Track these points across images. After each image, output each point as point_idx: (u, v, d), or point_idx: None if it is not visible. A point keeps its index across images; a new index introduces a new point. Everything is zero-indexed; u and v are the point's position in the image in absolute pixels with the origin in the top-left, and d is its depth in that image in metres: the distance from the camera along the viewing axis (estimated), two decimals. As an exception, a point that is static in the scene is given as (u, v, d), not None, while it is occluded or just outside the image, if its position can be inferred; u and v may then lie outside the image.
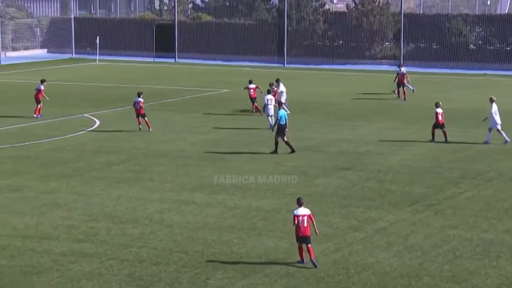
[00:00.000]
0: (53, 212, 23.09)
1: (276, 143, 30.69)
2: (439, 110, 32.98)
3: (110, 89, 48.21)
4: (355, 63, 61.34)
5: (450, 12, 70.21)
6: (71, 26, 67.20)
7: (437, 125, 32.93)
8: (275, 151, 30.64)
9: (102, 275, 18.44)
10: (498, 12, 71.60)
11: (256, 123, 36.44)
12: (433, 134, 32.93)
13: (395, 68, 47.17)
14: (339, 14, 65.21)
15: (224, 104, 41.27)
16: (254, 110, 39.35)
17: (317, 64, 61.51)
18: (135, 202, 24.18)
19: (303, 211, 19.22)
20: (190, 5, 73.21)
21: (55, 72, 55.42)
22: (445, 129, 32.89)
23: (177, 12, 66.22)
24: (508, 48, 59.65)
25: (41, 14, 72.33)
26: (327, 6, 67.11)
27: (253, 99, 39.44)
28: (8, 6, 68.85)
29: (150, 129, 34.76)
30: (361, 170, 28.31)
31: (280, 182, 26.60)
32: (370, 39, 62.33)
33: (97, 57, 62.74)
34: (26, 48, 67.71)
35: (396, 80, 44.56)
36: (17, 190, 25.30)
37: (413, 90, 45.17)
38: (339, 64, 61.14)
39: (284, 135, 30.70)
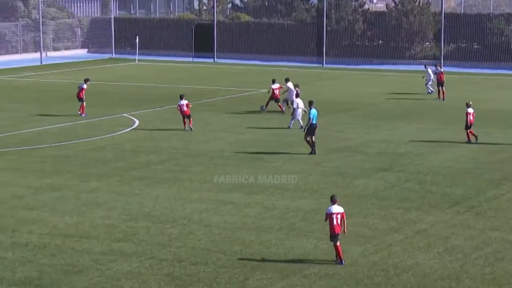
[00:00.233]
0: (93, 211, 23.24)
1: (309, 143, 30.61)
2: (470, 110, 32.72)
3: (149, 89, 48.44)
4: (394, 63, 60.96)
5: (491, 11, 69.49)
6: (111, 26, 67.65)
7: (467, 125, 32.73)
8: (313, 151, 30.55)
9: (141, 274, 18.51)
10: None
11: (294, 124, 36.33)
12: (467, 135, 32.67)
13: (428, 69, 46.81)
14: (378, 14, 64.89)
15: (263, 104, 41.20)
16: (281, 111, 39.33)
17: (356, 64, 61.25)
18: (173, 202, 24.26)
19: (336, 209, 19.25)
20: (229, 5, 73.33)
21: (95, 72, 55.83)
22: (472, 129, 32.64)
23: (216, 12, 66.36)
24: (550, 48, 58.91)
25: (81, 14, 72.91)
26: (366, 6, 66.83)
27: (276, 100, 39.30)
28: (49, 6, 69.49)
29: (192, 129, 34.92)
30: (400, 171, 28.11)
31: (317, 182, 26.52)
32: (410, 39, 61.92)
33: (137, 57, 63.08)
34: (66, 48, 68.28)
35: (434, 80, 44.37)
36: (57, 189, 25.51)
37: (432, 91, 45.11)
38: (378, 64, 60.81)
39: (313, 135, 30.61)
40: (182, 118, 35.14)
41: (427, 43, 62.60)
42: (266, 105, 39.54)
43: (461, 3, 77.89)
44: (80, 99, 38.34)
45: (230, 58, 63.95)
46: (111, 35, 67.40)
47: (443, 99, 43.75)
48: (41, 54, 62.34)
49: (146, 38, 66.60)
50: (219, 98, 44.62)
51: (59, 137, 33.67)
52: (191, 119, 35.11)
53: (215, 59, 64.32)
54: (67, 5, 72.64)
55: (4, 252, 19.65)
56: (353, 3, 64.41)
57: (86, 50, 69.29)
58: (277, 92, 39.39)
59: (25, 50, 65.12)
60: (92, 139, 33.28)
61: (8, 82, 50.94)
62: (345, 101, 43.84)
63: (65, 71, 56.63)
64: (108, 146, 31.94)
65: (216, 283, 18.10)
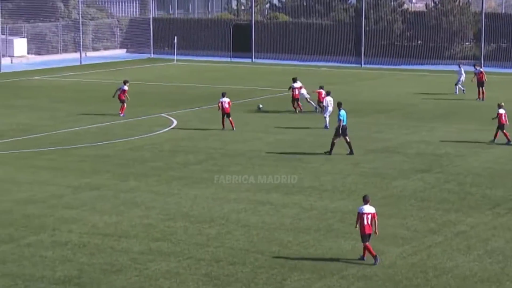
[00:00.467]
0: (131, 211, 23.35)
1: (333, 144, 30.44)
2: (502, 111, 32.40)
3: (187, 89, 48.59)
4: (433, 64, 60.51)
5: (532, 11, 68.70)
6: (149, 26, 67.98)
7: (499, 126, 32.40)
8: (351, 152, 30.41)
9: (180, 274, 18.55)
10: None
11: (333, 124, 36.16)
12: (506, 136, 32.33)
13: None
14: (417, 14, 64.46)
15: (302, 104, 41.11)
16: (300, 110, 39.21)
17: (394, 65, 60.88)
18: (211, 202, 24.29)
19: (368, 209, 19.22)
20: (267, 5, 73.32)
21: (134, 72, 56.14)
22: (505, 130, 32.31)
23: (254, 12, 66.38)
24: None
25: (120, 14, 73.36)
26: (405, 6, 66.41)
27: (296, 99, 39.26)
28: (89, 6, 70.02)
29: (234, 129, 34.95)
30: (440, 172, 27.88)
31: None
32: (450, 39, 61.41)
33: (175, 57, 63.31)
34: (106, 48, 68.74)
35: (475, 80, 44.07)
36: (96, 188, 25.67)
37: (463, 91, 44.80)
38: (417, 65, 60.39)
39: (338, 136, 30.46)
40: (221, 117, 35.16)
41: (467, 43, 62.04)
42: (293, 106, 39.37)
43: (502, 3, 77.11)
44: (122, 100, 38.60)
45: (268, 58, 63.91)
46: (150, 35, 67.72)
47: (483, 99, 43.34)
48: (80, 54, 62.81)
49: (185, 38, 66.82)
50: (256, 98, 44.60)
51: (98, 136, 33.89)
52: (230, 118, 35.14)
53: (253, 59, 64.33)
54: (106, 5, 73.12)
55: (45, 251, 19.81)
56: (392, 3, 64.05)
57: (125, 50, 69.68)
58: (296, 92, 39.30)
59: (65, 50, 65.68)
60: (130, 139, 33.45)
61: (48, 82, 51.42)
62: (384, 102, 43.60)
63: (104, 71, 57.00)
64: (146, 146, 32.08)
65: (254, 283, 18.08)
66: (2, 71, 55.90)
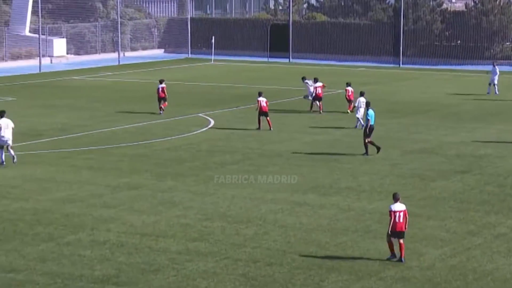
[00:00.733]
0: (169, 210, 23.42)
1: (366, 145, 30.30)
2: None
3: (224, 88, 48.66)
4: (473, 64, 59.95)
5: None
6: (187, 26, 68.21)
7: None
8: (378, 151, 30.29)
9: (217, 274, 18.56)
10: None
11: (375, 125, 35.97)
12: None
13: (497, 67, 45.99)
14: (457, 14, 63.91)
15: (339, 104, 41.00)
16: (321, 111, 39.28)
17: (433, 65, 60.44)
18: (249, 202, 24.28)
19: (399, 206, 19.21)
20: (305, 5, 73.19)
21: (172, 72, 56.36)
22: None
23: (292, 12, 66.31)
24: None
25: (158, 14, 73.70)
26: (445, 6, 65.90)
27: (319, 98, 39.20)
28: (128, 6, 70.43)
29: (271, 128, 34.96)
30: (480, 174, 27.60)
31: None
32: (490, 39, 60.80)
33: (212, 57, 63.44)
34: (144, 48, 69.08)
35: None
36: (134, 188, 25.78)
37: (496, 91, 44.56)
38: (457, 65, 59.89)
39: (368, 136, 30.29)
40: (257, 117, 35.16)
41: (507, 43, 61.36)
42: (319, 107, 39.45)
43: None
44: (163, 98, 38.85)
45: (305, 58, 63.79)
46: (188, 35, 67.95)
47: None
48: (118, 54, 63.19)
49: (222, 38, 66.93)
50: (294, 98, 44.53)
51: (136, 136, 34.05)
52: (268, 118, 35.14)
53: (290, 59, 64.26)
54: (144, 5, 73.48)
55: (83, 250, 19.95)
56: (431, 3, 63.57)
57: (162, 50, 69.99)
58: (319, 90, 39.28)
59: (103, 50, 66.13)
60: (168, 138, 33.57)
61: (87, 82, 51.81)
62: (422, 102, 43.30)
63: (141, 71, 57.28)
64: (184, 145, 32.17)
65: (291, 284, 18.04)
66: (41, 71, 56.42)
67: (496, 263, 19.17)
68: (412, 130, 35.48)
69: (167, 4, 75.28)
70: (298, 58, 64.03)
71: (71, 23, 65.38)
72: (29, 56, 60.61)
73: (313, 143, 32.82)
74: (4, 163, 28.51)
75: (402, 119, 38.28)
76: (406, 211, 19.31)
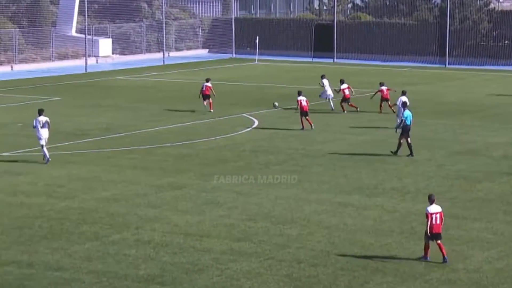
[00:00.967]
0: (213, 210, 23.46)
1: (400, 145, 30.06)
2: None
3: (268, 88, 48.63)
4: (521, 64, 59.24)
5: None
6: (231, 26, 68.35)
7: None
8: (396, 152, 30.04)
9: (261, 274, 18.54)
10: None
11: (417, 126, 35.73)
12: None
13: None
14: (505, 13, 63.10)
15: (383, 105, 40.73)
16: (343, 110, 39.25)
17: (480, 65, 59.77)
18: (292, 203, 24.23)
19: (435, 208, 19.17)
20: (350, 5, 72.90)
21: (216, 72, 56.48)
22: None
23: (337, 12, 66.09)
24: None
25: (203, 14, 73.94)
26: (492, 5, 65.12)
27: (347, 99, 39.16)
28: (172, 7, 70.78)
29: (312, 127, 34.91)
30: (527, 175, 27.24)
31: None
32: (539, 38, 60.03)
33: (257, 57, 63.47)
34: (188, 48, 69.36)
35: None
36: (178, 188, 25.87)
37: None
38: (504, 65, 59.16)
39: (407, 136, 30.02)
40: (300, 117, 35.13)
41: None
42: (342, 106, 39.46)
43: None
44: (207, 96, 39.23)
45: (350, 59, 63.52)
46: (232, 35, 68.07)
47: None
48: (163, 54, 63.51)
49: (266, 38, 66.92)
50: (338, 99, 44.35)
51: (180, 136, 34.19)
52: (308, 117, 35.10)
53: (335, 59, 64.03)
54: (189, 5, 73.78)
55: (128, 249, 20.06)
56: (478, 2, 62.90)
57: (207, 50, 70.21)
58: (347, 92, 39.19)
59: (148, 50, 66.53)
60: (212, 138, 33.64)
61: (132, 82, 52.15)
62: (469, 103, 42.85)
63: (186, 71, 57.51)
64: (228, 145, 32.21)
65: (335, 285, 17.95)
66: (87, 71, 56.94)
67: (544, 266, 18.90)
68: (458, 131, 35.12)
69: (211, 4, 75.49)
70: (342, 58, 63.77)
71: (117, 23, 65.89)
72: (75, 56, 61.21)
73: (357, 143, 32.65)
74: (50, 159, 28.83)
75: (448, 120, 37.93)
76: (442, 213, 19.15)
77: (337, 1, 66.27)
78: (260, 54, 64.00)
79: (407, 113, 30.37)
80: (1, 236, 20.93)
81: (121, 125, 36.49)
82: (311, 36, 65.72)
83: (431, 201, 19.32)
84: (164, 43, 64.23)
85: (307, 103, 35.27)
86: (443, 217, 19.27)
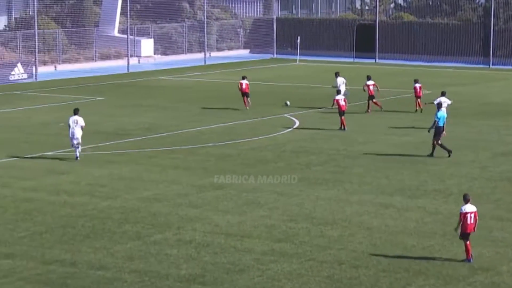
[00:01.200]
0: (254, 211, 23.45)
1: (434, 146, 29.78)
2: None
3: (309, 89, 48.54)
4: None
5: None
6: (273, 26, 68.33)
7: None
8: (432, 154, 29.80)
9: (302, 275, 18.49)
10: None
11: (461, 127, 35.40)
12: None
13: None
14: (550, 12, 62.37)
15: (424, 106, 40.44)
16: (368, 110, 39.10)
17: (525, 65, 59.13)
18: (334, 204, 24.13)
19: (470, 208, 19.08)
20: (392, 5, 72.51)
21: (257, 72, 56.51)
22: None
23: (379, 12, 65.73)
24: None
25: (244, 15, 74.03)
26: (538, 4, 64.38)
27: (371, 97, 38.95)
28: (214, 7, 70.97)
29: (345, 128, 34.81)
30: None
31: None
32: None
33: (298, 57, 63.39)
34: (230, 49, 69.51)
35: None
36: (219, 188, 25.91)
37: None
38: (549, 65, 58.46)
39: (440, 137, 29.74)
40: (339, 117, 35.09)
41: None
42: (368, 104, 39.30)
43: None
44: (246, 94, 39.75)
45: (392, 59, 63.16)
46: (273, 35, 68.04)
47: None
48: (205, 54, 63.71)
49: (307, 38, 66.81)
50: (380, 99, 44.12)
51: (221, 136, 34.25)
52: (343, 117, 35.01)
53: (377, 59, 63.71)
54: (230, 5, 73.93)
55: (170, 249, 20.13)
56: (523, 1, 62.23)
57: (248, 50, 70.27)
58: (371, 88, 38.98)
59: (190, 51, 66.79)
60: (253, 139, 33.65)
61: (174, 82, 52.39)
62: (512, 103, 42.37)
63: (227, 71, 57.61)
64: (269, 146, 32.19)
65: (377, 287, 17.84)
66: (129, 71, 57.32)
67: None
68: (502, 132, 34.72)
69: (253, 4, 75.56)
70: (384, 58, 63.43)
71: (159, 23, 66.23)
72: (117, 56, 61.66)
73: (399, 144, 32.43)
74: (78, 158, 29.24)
75: (492, 120, 37.52)
76: (477, 213, 19.04)
77: (379, 1, 65.93)
78: (301, 54, 63.91)
79: (440, 113, 30.12)
80: (45, 234, 21.15)
81: (163, 125, 36.66)
82: (353, 36, 65.47)
83: (466, 200, 19.26)
84: (206, 43, 64.42)
85: (345, 103, 35.20)
86: (477, 218, 19.10)
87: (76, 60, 59.73)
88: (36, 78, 52.54)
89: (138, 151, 31.43)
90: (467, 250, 19.07)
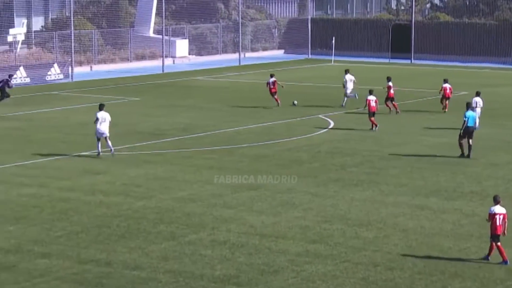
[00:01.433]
0: (288, 212, 23.42)
1: (461, 146, 29.52)
2: None
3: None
4: None
5: None
6: (307, 26, 68.22)
7: None
8: (462, 155, 29.45)
9: (337, 277, 18.42)
10: None
11: (496, 128, 35.06)
12: None
13: None
14: None
15: (459, 106, 40.10)
16: (390, 110, 38.85)
17: (562, 65, 58.43)
18: (369, 205, 24.02)
19: (499, 209, 19.01)
20: (428, 5, 72.06)
21: (291, 73, 56.46)
22: None
23: (415, 12, 65.34)
24: None
25: (279, 15, 73.99)
26: None
27: (391, 99, 38.69)
28: (249, 7, 71.02)
29: (377, 128, 34.65)
30: None
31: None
32: None
33: (333, 58, 63.21)
34: (264, 49, 69.51)
35: None
36: (254, 188, 25.90)
37: None
38: None
39: (470, 137, 29.41)
40: (368, 117, 35.02)
41: None
42: (388, 107, 39.15)
43: None
44: (275, 93, 40.32)
45: (428, 59, 62.76)
46: (308, 36, 67.93)
47: None
48: (239, 55, 63.77)
49: (342, 38, 66.62)
50: (415, 100, 43.87)
51: (256, 137, 34.24)
52: (373, 118, 34.90)
53: (412, 60, 63.33)
54: (265, 6, 73.93)
55: (204, 249, 20.16)
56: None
57: (283, 51, 70.21)
58: (391, 90, 38.72)
59: (224, 51, 66.91)
60: (288, 139, 33.61)
61: (209, 83, 52.50)
62: (549, 104, 41.88)
63: (262, 71, 57.60)
64: (304, 146, 32.14)
65: (412, 290, 17.74)
66: (164, 71, 57.55)
67: None
68: (538, 134, 34.37)
69: (287, 5, 75.51)
70: (420, 59, 63.05)
71: (193, 24, 66.42)
72: (152, 56, 61.94)
73: (435, 145, 32.20)
74: (101, 153, 29.54)
75: (529, 122, 37.15)
76: (506, 215, 18.96)
77: (415, 1, 65.55)
78: (336, 54, 63.71)
79: (469, 113, 29.83)
80: (80, 234, 21.29)
81: (199, 125, 36.75)
82: (388, 36, 65.15)
83: (496, 201, 19.20)
84: (240, 43, 64.47)
85: (376, 103, 35.07)
86: (506, 220, 18.98)
87: (112, 61, 60.10)
88: (72, 79, 52.95)
89: (173, 151, 31.53)
90: (500, 252, 18.92)
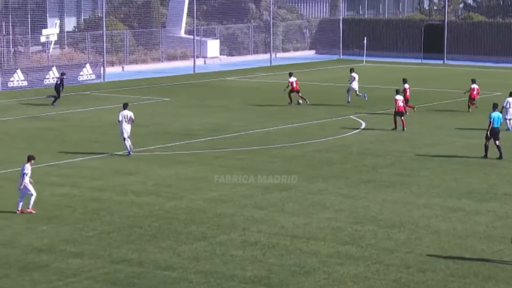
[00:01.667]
0: (319, 213, 23.34)
1: (487, 147, 29.20)
2: None
3: (376, 90, 48.14)
4: None
5: None
6: (339, 27, 68.02)
7: None
8: (485, 156, 29.26)
9: (368, 278, 18.33)
10: None
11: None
12: None
13: None
14: None
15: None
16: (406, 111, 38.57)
17: None
18: (400, 207, 23.88)
19: None
20: (461, 5, 71.56)
21: (323, 73, 56.31)
22: None
23: (447, 12, 64.91)
24: None
25: (310, 15, 73.86)
26: None
27: (406, 100, 38.37)
28: (280, 7, 70.96)
29: (404, 129, 34.50)
30: None
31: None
32: None
33: (364, 58, 62.96)
34: (295, 49, 69.41)
35: None
36: (285, 189, 25.86)
37: None
38: None
39: (496, 139, 29.09)
40: (393, 116, 34.92)
41: None
42: (411, 107, 38.95)
43: None
44: (297, 91, 41.15)
45: (461, 60, 62.31)
46: (339, 36, 67.73)
47: None
48: (270, 55, 63.72)
49: (374, 38, 66.34)
50: (448, 101, 43.57)
51: (287, 137, 34.19)
52: (402, 118, 34.75)
53: (445, 60, 62.91)
54: (296, 6, 73.83)
55: (235, 250, 20.16)
56: None
57: (314, 51, 70.06)
58: (408, 92, 38.59)
59: (255, 51, 66.90)
60: (319, 140, 33.53)
61: (240, 83, 52.52)
62: None
63: (293, 72, 57.43)
64: (335, 147, 32.03)
65: (445, 292, 17.60)
66: (195, 71, 57.67)
67: None
68: None
69: (319, 5, 75.35)
70: (453, 59, 62.61)
71: (225, 24, 66.50)
72: (183, 57, 62.11)
73: (468, 147, 31.94)
74: (131, 152, 29.68)
75: None
76: None
77: (448, 1, 65.11)
78: (367, 55, 63.46)
79: (494, 114, 29.52)
80: (112, 234, 21.38)
81: (230, 126, 36.77)
82: (421, 36, 64.77)
83: None
84: (271, 44, 64.43)
85: (403, 103, 34.92)
86: None
87: (143, 61, 60.35)
88: (104, 79, 53.23)
89: (204, 151, 31.57)
90: None
